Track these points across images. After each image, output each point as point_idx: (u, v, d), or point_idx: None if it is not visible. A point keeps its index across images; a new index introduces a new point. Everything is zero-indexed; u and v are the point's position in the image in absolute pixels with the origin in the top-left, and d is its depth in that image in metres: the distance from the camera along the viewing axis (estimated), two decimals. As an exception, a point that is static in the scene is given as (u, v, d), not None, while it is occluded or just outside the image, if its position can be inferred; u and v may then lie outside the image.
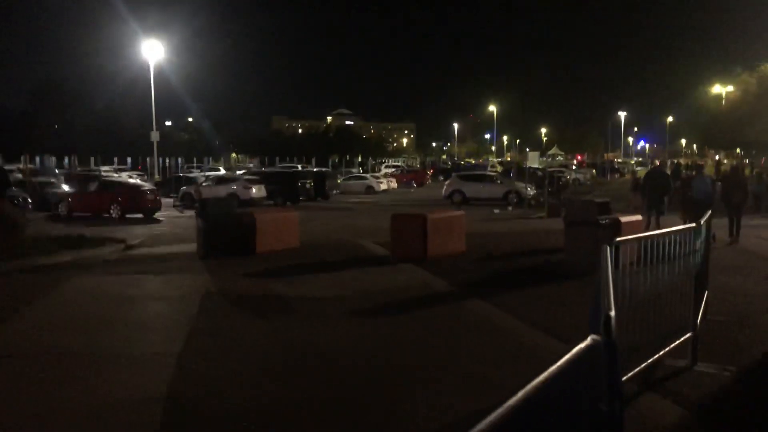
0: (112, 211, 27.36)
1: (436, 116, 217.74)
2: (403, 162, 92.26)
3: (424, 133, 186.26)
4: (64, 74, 68.96)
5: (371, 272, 11.28)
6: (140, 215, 27.17)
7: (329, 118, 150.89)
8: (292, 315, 8.15)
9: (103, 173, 42.04)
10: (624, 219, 11.55)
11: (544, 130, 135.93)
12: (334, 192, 43.90)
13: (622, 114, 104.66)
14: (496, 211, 29.58)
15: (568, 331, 6.88)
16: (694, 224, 6.11)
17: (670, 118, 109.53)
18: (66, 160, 62.90)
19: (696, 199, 15.49)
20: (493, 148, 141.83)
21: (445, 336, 7.17)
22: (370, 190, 48.92)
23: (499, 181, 37.22)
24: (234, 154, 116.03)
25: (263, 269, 11.65)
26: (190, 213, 29.99)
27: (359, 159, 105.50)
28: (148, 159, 60.45)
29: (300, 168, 57.13)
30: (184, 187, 36.66)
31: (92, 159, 58.84)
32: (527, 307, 8.32)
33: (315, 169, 51.14)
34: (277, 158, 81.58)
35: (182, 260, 12.81)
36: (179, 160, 66.00)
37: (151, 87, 46.01)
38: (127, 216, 26.78)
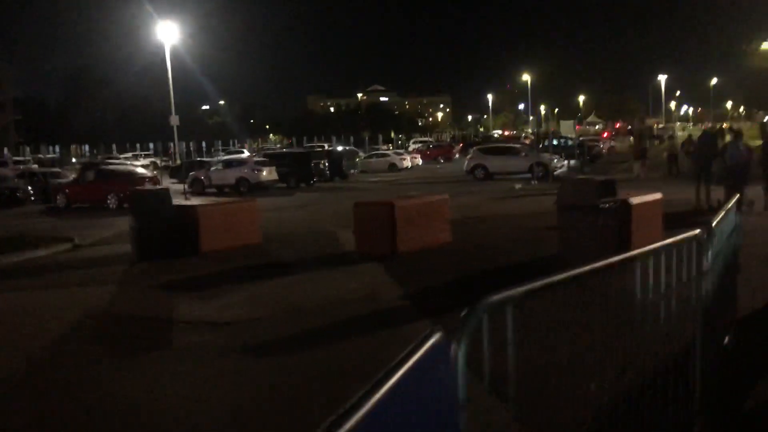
0: (109, 202, 26.04)
1: (472, 89, 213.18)
2: (434, 137, 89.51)
3: (459, 106, 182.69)
4: (90, 62, 67.98)
5: (322, 276, 9.27)
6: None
7: (359, 95, 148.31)
8: (157, 353, 6.24)
9: (105, 161, 40.71)
10: (636, 200, 9.26)
11: (582, 98, 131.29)
12: (353, 171, 41.85)
13: (663, 78, 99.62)
14: (518, 186, 27.26)
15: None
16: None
17: (714, 80, 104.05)
18: (93, 149, 62.82)
19: (729, 166, 14.43)
20: (531, 118, 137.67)
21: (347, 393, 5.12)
22: (393, 167, 46.78)
23: (524, 154, 34.75)
24: (272, 136, 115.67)
25: (190, 276, 9.73)
26: (199, 200, 28.52)
27: (392, 135, 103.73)
28: (170, 144, 59.67)
29: (326, 147, 55.58)
30: (192, 173, 35.15)
31: (114, 146, 58.30)
32: (493, 334, 6.24)
33: (333, 147, 49.25)
34: (314, 138, 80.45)
35: (111, 265, 10.96)
36: (203, 144, 64.89)
37: (168, 70, 44.67)
38: (126, 206, 25.31)
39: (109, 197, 26.04)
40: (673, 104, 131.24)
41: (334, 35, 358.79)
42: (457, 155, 59.86)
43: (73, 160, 54.08)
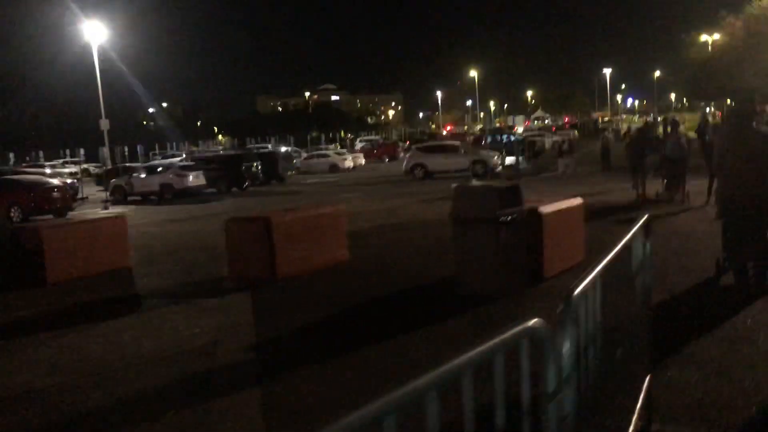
0: (12, 215, 23.78)
1: (424, 86, 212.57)
2: (381, 135, 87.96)
3: (411, 104, 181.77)
4: (10, 63, 64.14)
5: (168, 315, 7.38)
6: (50, 216, 23.39)
7: (307, 94, 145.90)
8: None
9: (16, 170, 37.84)
10: (548, 208, 7.82)
11: (530, 93, 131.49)
12: (290, 173, 39.82)
13: (608, 71, 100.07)
14: (455, 185, 25.95)
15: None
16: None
17: (657, 73, 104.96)
18: (25, 155, 59.28)
19: (669, 157, 14.35)
20: (482, 114, 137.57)
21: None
22: (334, 168, 45.11)
23: (463, 151, 33.58)
24: (221, 137, 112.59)
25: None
26: (120, 209, 26.39)
27: (341, 134, 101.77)
28: (102, 149, 56.78)
29: (269, 148, 53.39)
30: (114, 180, 32.88)
31: (41, 153, 54.96)
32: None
33: (268, 149, 47.12)
34: (259, 139, 77.94)
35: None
36: (137, 148, 61.87)
37: (96, 71, 42.04)
38: (33, 218, 23.03)
39: (12, 209, 23.86)
40: (619, 97, 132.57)
41: (285, 35, 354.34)
42: (402, 154, 58.47)
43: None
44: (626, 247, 3.28)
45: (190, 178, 31.16)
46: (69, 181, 30.45)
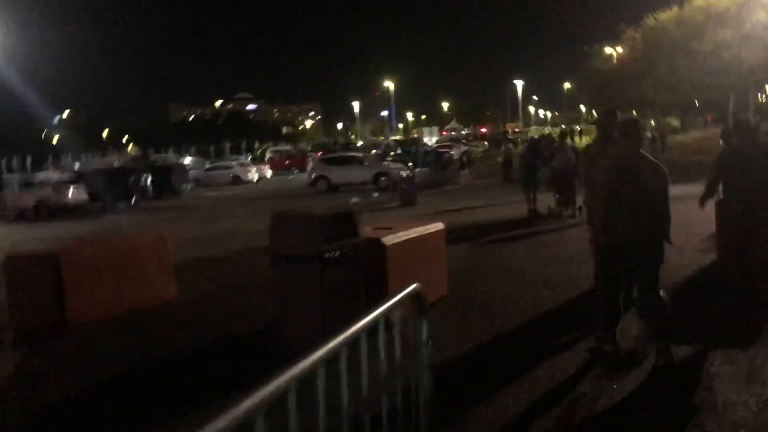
0: None
1: (342, 96, 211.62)
2: (293, 146, 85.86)
3: (330, 114, 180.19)
4: None
5: None
6: None
7: (218, 103, 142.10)
8: None
9: None
10: (396, 238, 6.46)
11: (446, 105, 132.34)
12: (187, 186, 37.26)
13: (519, 83, 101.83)
14: (354, 200, 24.70)
15: None
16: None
17: (567, 84, 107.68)
18: None
19: (558, 171, 13.79)
20: (401, 126, 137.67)
21: None
22: (237, 180, 43.09)
23: (366, 163, 32.50)
24: (130, 147, 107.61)
25: None
26: None
27: (255, 144, 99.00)
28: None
29: (171, 158, 50.55)
30: (-21, 196, 29.78)
31: None
32: None
33: (160, 161, 44.28)
34: (166, 149, 74.49)
35: None
36: (27, 159, 57.57)
37: None
38: None
39: None
40: (532, 108, 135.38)
41: (202, 42, 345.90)
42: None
43: None
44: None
45: (71, 193, 28.66)
46: None
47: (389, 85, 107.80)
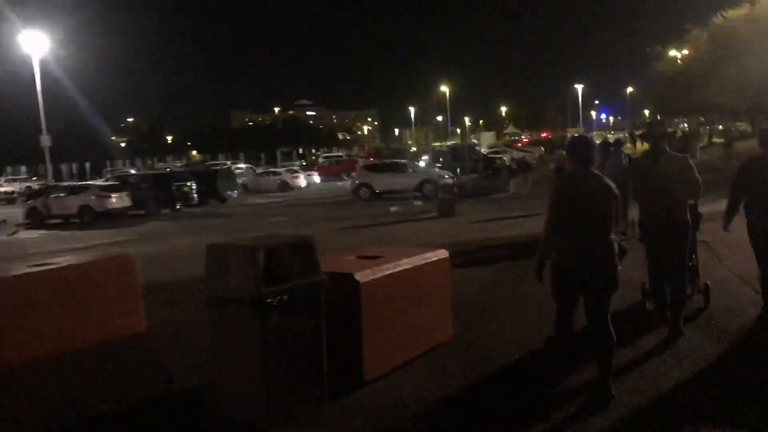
0: None
1: (401, 102, 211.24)
2: (346, 151, 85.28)
3: (388, 119, 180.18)
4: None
5: None
6: None
7: (277, 109, 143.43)
8: None
9: None
10: (375, 273, 5.22)
11: (504, 109, 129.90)
12: (233, 193, 36.63)
13: (579, 87, 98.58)
14: (393, 208, 23.62)
15: None
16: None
17: (630, 89, 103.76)
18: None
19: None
20: (458, 130, 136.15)
21: None
22: (284, 186, 42.59)
23: (410, 170, 31.37)
24: (194, 153, 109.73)
25: None
26: (30, 235, 23.62)
27: (312, 150, 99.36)
28: (41, 166, 53.82)
29: (229, 164, 50.61)
30: (30, 201, 30.08)
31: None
32: None
33: (205, 167, 44.11)
34: (229, 155, 75.39)
35: None
36: (86, 165, 58.86)
37: (37, 83, 39.29)
38: None
39: None
40: (593, 113, 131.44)
41: (264, 50, 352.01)
42: (360, 171, 55.90)
43: None
44: None
45: (113, 199, 28.55)
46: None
47: (445, 90, 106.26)
